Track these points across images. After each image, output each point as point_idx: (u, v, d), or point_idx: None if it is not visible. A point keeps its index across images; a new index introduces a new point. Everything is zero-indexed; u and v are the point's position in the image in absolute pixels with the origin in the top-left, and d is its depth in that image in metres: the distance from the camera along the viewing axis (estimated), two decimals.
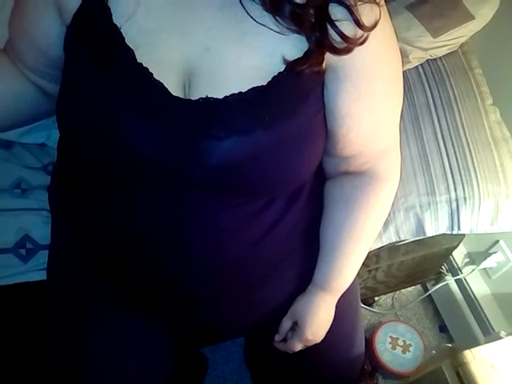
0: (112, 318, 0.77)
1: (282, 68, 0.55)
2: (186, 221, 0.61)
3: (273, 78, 0.55)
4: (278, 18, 0.53)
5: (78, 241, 0.74)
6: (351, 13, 0.53)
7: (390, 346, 1.47)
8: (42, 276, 0.89)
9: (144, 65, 0.54)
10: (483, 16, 1.14)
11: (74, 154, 0.66)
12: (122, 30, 0.54)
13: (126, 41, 0.54)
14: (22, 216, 0.96)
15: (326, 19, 0.53)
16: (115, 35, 0.54)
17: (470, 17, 1.13)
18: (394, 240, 1.12)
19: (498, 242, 1.37)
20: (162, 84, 0.54)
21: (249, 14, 0.53)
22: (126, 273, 0.70)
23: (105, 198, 0.65)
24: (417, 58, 1.19)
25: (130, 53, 0.54)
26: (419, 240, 1.23)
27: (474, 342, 1.40)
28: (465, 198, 1.08)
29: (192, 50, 0.55)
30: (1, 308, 0.90)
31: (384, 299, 1.65)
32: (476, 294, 1.46)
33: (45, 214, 0.96)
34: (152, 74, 0.54)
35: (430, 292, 1.59)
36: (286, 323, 0.80)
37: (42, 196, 0.96)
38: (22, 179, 1.01)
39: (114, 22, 0.54)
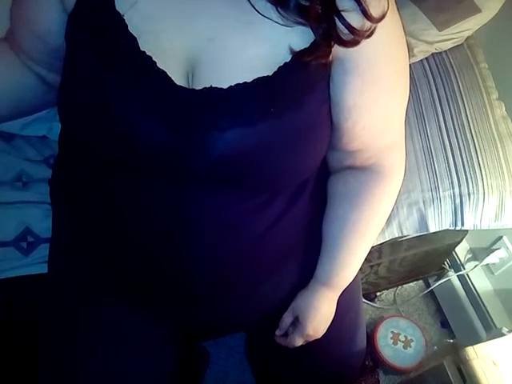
0: (111, 313, 0.77)
1: (288, 58, 0.54)
2: (189, 215, 0.61)
3: (278, 69, 0.54)
4: (281, 12, 0.52)
5: (79, 235, 0.74)
6: (359, 3, 0.52)
7: (392, 341, 1.47)
8: (42, 269, 0.89)
9: (147, 53, 0.53)
10: (490, 9, 1.13)
11: (76, 145, 0.65)
12: (124, 18, 0.53)
13: (129, 28, 0.53)
14: (23, 209, 0.95)
15: (333, 11, 0.52)
16: (118, 22, 0.53)
17: (476, 10, 1.12)
18: (397, 235, 1.11)
19: (501, 238, 1.36)
20: (165, 73, 0.53)
21: (253, 6, 0.52)
22: (127, 266, 0.69)
23: (106, 191, 0.64)
24: (422, 51, 1.18)
25: (133, 41, 0.53)
26: (422, 235, 1.23)
27: (475, 338, 1.40)
28: (469, 194, 1.08)
29: (195, 39, 0.54)
30: (1, 301, 0.90)
31: (386, 294, 1.65)
32: (478, 290, 1.46)
33: (46, 207, 0.96)
34: (155, 62, 0.53)
35: (432, 288, 1.59)
36: (287, 318, 0.80)
37: (43, 189, 0.96)
38: (23, 172, 1.01)
39: (117, 9, 0.54)
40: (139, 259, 0.67)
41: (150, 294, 0.74)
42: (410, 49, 1.13)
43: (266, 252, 0.69)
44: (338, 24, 0.53)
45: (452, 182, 1.08)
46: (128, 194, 0.62)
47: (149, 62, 0.53)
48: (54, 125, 1.08)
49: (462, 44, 1.23)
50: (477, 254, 1.48)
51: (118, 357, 0.77)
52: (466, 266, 1.49)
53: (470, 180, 1.08)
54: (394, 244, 1.24)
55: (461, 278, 1.51)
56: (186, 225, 0.61)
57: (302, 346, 0.81)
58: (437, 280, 1.57)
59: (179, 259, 0.64)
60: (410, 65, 0.65)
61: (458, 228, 1.10)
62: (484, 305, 1.43)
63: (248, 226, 0.64)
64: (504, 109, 1.18)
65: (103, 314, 0.77)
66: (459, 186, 1.08)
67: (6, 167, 1.01)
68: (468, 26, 1.16)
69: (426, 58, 1.21)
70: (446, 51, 1.21)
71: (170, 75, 0.53)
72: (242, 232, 0.64)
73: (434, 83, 1.18)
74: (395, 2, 0.58)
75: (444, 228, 1.10)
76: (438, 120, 1.14)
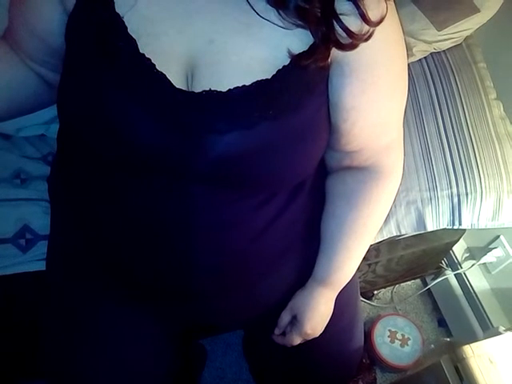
0: (109, 311, 0.77)
1: (287, 61, 0.54)
2: (188, 214, 0.61)
3: (277, 72, 0.54)
4: (281, 14, 0.52)
5: (77, 232, 0.74)
6: (357, 7, 0.52)
7: (389, 339, 1.48)
8: (41, 266, 0.89)
9: (146, 55, 0.53)
10: (489, 9, 1.13)
11: (74, 144, 0.65)
12: (124, 19, 0.53)
13: (129, 30, 0.53)
14: (22, 206, 0.95)
15: (332, 14, 0.52)
16: (117, 24, 0.53)
17: (475, 9, 1.12)
18: (395, 234, 1.11)
19: (498, 237, 1.37)
20: (164, 75, 0.53)
21: (253, 7, 0.52)
22: (126, 265, 0.70)
23: (105, 190, 0.64)
24: (420, 50, 1.18)
25: (132, 43, 0.53)
26: (419, 234, 1.23)
27: (472, 337, 1.41)
28: (466, 193, 1.08)
29: (195, 41, 0.54)
30: (0, 298, 0.90)
31: (383, 293, 1.66)
32: (475, 289, 1.46)
33: (44, 205, 0.95)
34: (154, 64, 0.53)
35: (429, 286, 1.59)
36: (286, 317, 0.80)
37: (41, 186, 0.96)
38: (22, 169, 1.01)
39: (117, 10, 0.53)
40: (138, 257, 0.67)
41: (150, 291, 0.74)
42: (408, 48, 1.13)
43: (264, 250, 0.69)
44: (337, 27, 0.53)
45: (450, 182, 1.09)
46: (126, 192, 0.62)
47: (148, 64, 0.53)
48: (51, 125, 1.08)
49: (461, 44, 1.23)
50: (474, 253, 1.48)
51: (116, 354, 0.77)
52: (463, 265, 1.50)
53: (467, 179, 1.08)
54: (391, 243, 1.24)
55: (458, 276, 1.52)
56: (185, 223, 0.62)
57: (299, 344, 0.81)
58: (434, 279, 1.58)
59: (178, 257, 0.65)
60: (408, 64, 0.65)
61: (455, 227, 1.11)
62: (481, 304, 1.44)
63: (246, 224, 0.65)
64: (502, 109, 1.18)
65: (102, 312, 0.77)
66: (457, 186, 1.08)
67: (4, 164, 1.00)
68: (467, 26, 1.16)
69: (425, 58, 1.21)
70: (444, 51, 1.22)
71: (169, 78, 0.53)
72: (240, 230, 0.65)
73: (433, 83, 1.18)
74: (394, 1, 0.58)
75: (442, 227, 1.11)
76: (437, 119, 1.14)
